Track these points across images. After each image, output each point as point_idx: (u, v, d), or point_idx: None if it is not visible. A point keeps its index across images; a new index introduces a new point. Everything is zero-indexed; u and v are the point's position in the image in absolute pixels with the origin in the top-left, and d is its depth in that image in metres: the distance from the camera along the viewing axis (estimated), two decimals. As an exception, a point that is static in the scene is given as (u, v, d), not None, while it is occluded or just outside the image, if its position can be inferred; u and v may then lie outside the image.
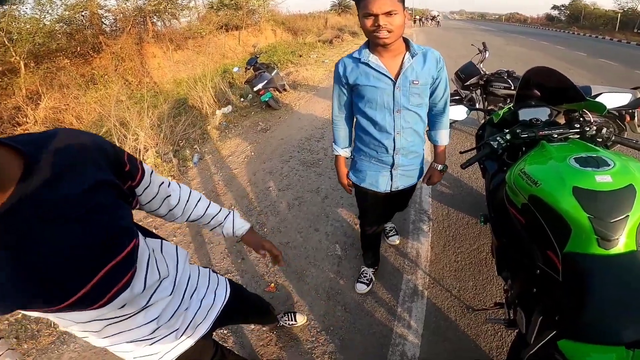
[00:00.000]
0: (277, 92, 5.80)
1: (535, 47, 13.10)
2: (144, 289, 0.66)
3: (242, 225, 0.99)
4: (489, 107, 3.53)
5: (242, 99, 6.05)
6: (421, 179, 1.61)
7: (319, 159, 3.50)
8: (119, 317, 0.64)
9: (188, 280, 0.84)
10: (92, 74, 8.61)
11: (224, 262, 2.23)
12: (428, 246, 2.21)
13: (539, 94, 1.74)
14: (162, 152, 3.90)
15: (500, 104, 3.45)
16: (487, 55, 3.73)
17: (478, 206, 2.56)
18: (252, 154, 3.84)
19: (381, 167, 1.47)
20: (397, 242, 2.24)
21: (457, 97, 3.74)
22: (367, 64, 1.27)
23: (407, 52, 1.27)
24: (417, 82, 1.28)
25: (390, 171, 1.48)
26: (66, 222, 0.51)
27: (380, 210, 1.72)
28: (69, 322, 0.59)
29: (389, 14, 1.12)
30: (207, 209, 0.92)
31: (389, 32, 1.15)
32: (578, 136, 1.39)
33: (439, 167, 1.58)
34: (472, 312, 1.74)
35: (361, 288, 1.91)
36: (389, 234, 2.27)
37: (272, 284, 2.00)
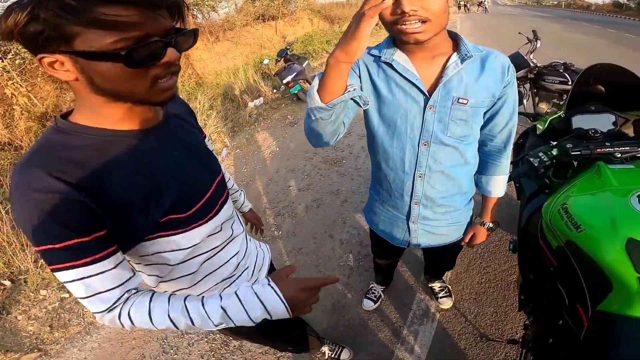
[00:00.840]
0: (308, 84, 5.71)
1: (600, 34, 11.69)
2: (231, 214, 0.80)
3: (248, 204, 1.18)
4: (539, 103, 3.12)
5: (274, 91, 6.03)
6: (463, 240, 1.18)
7: (343, 157, 3.37)
8: (212, 249, 0.75)
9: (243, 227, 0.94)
10: None
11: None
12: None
13: (603, 90, 1.41)
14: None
15: (555, 100, 3.00)
16: (538, 45, 3.20)
17: (515, 223, 2.30)
18: (277, 149, 3.80)
19: (396, 216, 1.09)
20: (450, 304, 1.74)
21: None
22: (390, 65, 0.85)
23: (455, 54, 0.84)
24: (464, 101, 0.85)
25: (407, 224, 1.08)
26: (192, 149, 0.71)
27: (395, 256, 1.50)
28: (177, 253, 0.68)
29: None
30: (230, 180, 1.10)
31: (422, 22, 0.73)
32: None
33: (487, 225, 1.13)
34: (485, 342, 1.56)
35: (368, 305, 1.78)
36: (439, 295, 1.77)
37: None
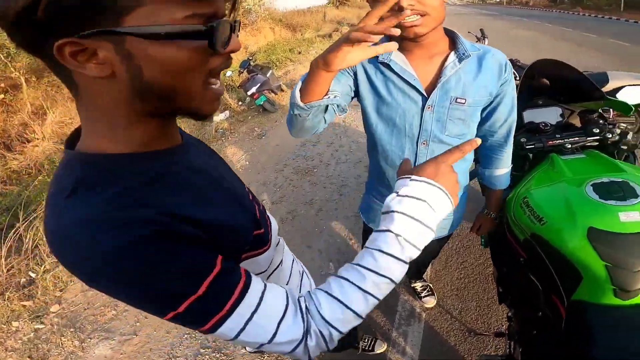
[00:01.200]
0: (273, 94, 5.67)
1: (540, 29, 12.63)
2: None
3: None
4: None
5: (240, 103, 5.94)
6: (472, 229, 1.27)
7: (314, 166, 3.37)
8: (278, 263, 0.66)
9: None
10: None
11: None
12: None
13: (548, 83, 1.49)
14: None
15: None
16: (486, 43, 3.37)
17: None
18: (247, 163, 3.72)
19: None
20: (433, 302, 1.75)
21: None
22: (388, 66, 0.85)
23: (453, 53, 0.85)
24: (462, 101, 0.86)
25: None
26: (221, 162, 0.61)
27: None
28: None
29: None
30: None
31: (420, 15, 0.73)
32: (597, 143, 1.19)
33: (493, 215, 1.18)
34: (474, 337, 1.59)
35: None
36: (422, 294, 1.77)
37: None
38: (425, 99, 0.86)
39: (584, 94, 1.32)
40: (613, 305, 0.75)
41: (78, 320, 1.95)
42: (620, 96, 2.52)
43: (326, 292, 0.47)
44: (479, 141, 0.54)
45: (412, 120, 0.89)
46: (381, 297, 0.47)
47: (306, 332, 0.44)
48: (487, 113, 0.94)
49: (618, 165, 0.98)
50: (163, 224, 0.38)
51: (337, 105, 0.81)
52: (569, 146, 1.17)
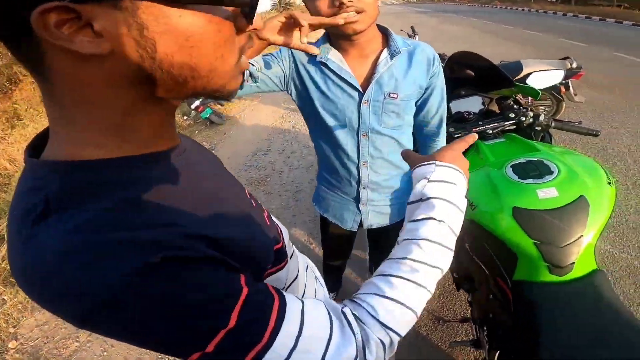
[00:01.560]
0: (219, 105, 5.50)
1: (466, 24, 13.69)
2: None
3: None
4: None
5: (185, 118, 5.67)
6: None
7: (267, 175, 3.32)
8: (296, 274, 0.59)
9: None
10: (14, 108, 7.70)
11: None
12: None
13: (472, 73, 1.55)
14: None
15: None
16: (417, 40, 3.61)
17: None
18: (197, 179, 3.57)
19: (346, 200, 1.15)
20: None
21: None
22: (326, 65, 0.90)
23: (385, 50, 0.90)
24: (395, 95, 0.91)
25: (358, 206, 1.14)
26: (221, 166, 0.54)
27: (346, 247, 1.49)
28: None
29: None
30: None
31: (357, 12, 0.77)
32: (515, 126, 1.28)
33: None
34: (444, 324, 1.65)
35: None
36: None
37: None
38: (361, 95, 0.92)
39: (498, 83, 1.41)
40: (552, 282, 0.77)
41: (40, 355, 1.76)
42: (529, 82, 2.80)
43: (375, 294, 0.41)
44: (475, 135, 0.58)
45: (352, 114, 0.95)
46: (432, 291, 0.43)
47: (363, 347, 0.38)
48: (420, 105, 1.00)
49: (533, 146, 1.05)
50: (173, 246, 0.30)
51: (250, 75, 0.87)
52: (490, 132, 1.25)
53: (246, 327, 0.32)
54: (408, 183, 1.16)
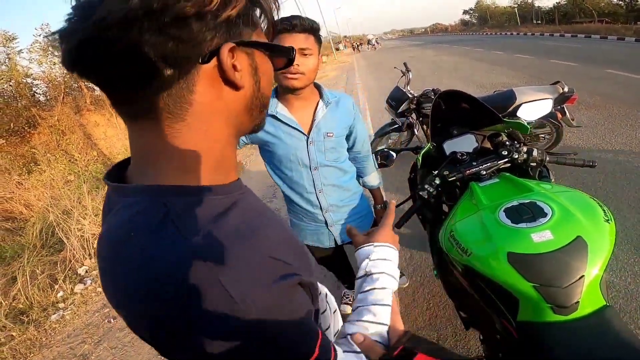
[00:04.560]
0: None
1: (459, 53, 14.21)
2: None
3: None
4: (427, 130, 3.41)
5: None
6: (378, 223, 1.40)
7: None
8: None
9: None
10: (32, 153, 7.83)
11: None
12: (395, 298, 2.04)
13: (466, 106, 1.50)
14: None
15: None
16: (410, 77, 3.55)
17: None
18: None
19: (317, 225, 1.34)
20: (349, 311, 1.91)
21: (396, 126, 3.57)
22: (275, 117, 1.12)
23: (320, 100, 1.17)
24: (331, 134, 1.17)
25: (328, 228, 1.34)
26: None
27: (338, 265, 1.66)
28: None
29: (303, 52, 1.00)
30: None
31: (300, 74, 1.03)
32: (509, 164, 1.24)
33: (379, 206, 1.52)
34: None
35: (347, 309, 1.87)
36: (343, 300, 1.95)
37: None
38: (307, 137, 1.15)
39: (487, 119, 1.38)
40: (558, 322, 0.74)
41: None
42: (520, 114, 2.80)
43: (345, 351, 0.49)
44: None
45: (302, 154, 1.17)
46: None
47: None
48: (350, 139, 1.29)
49: (526, 186, 1.02)
50: (287, 269, 0.37)
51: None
52: (484, 173, 1.20)
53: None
54: (361, 202, 1.40)
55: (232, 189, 0.41)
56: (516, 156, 1.21)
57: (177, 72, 0.33)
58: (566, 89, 2.87)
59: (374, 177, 1.47)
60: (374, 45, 32.23)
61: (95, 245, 3.29)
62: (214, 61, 0.35)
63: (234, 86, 0.37)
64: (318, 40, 1.06)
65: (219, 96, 0.37)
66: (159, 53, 0.31)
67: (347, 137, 1.28)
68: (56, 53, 9.15)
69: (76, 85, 9.94)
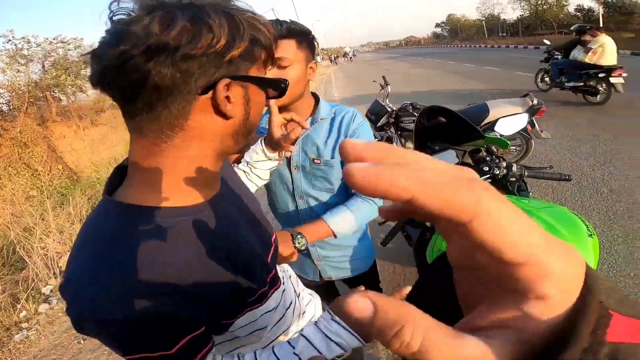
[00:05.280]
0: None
1: (432, 66, 14.76)
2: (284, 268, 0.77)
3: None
4: (405, 143, 3.46)
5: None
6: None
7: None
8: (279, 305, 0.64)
9: None
10: None
11: None
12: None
13: (444, 120, 1.54)
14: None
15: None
16: (389, 90, 3.58)
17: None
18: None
19: (300, 257, 0.98)
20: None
21: (375, 140, 3.62)
22: (261, 132, 0.95)
23: (310, 118, 0.96)
24: (318, 161, 0.95)
25: (313, 262, 1.13)
26: (250, 227, 0.57)
27: (330, 291, 1.38)
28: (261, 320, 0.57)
29: (279, 63, 0.82)
30: None
31: None
32: (490, 179, 1.26)
33: (297, 238, 0.88)
34: None
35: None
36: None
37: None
38: (289, 160, 0.98)
39: (468, 135, 1.41)
40: None
41: None
42: (497, 129, 2.88)
43: None
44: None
45: (287, 180, 1.01)
46: None
47: None
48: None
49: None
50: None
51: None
52: None
53: None
54: (362, 241, 1.14)
55: (184, 212, 0.45)
56: (497, 172, 1.23)
57: (178, 99, 0.39)
58: (535, 102, 2.99)
59: (341, 219, 0.94)
60: (350, 57, 33.03)
61: (60, 264, 3.11)
62: (210, 92, 0.40)
63: (224, 116, 0.43)
64: (302, 44, 0.86)
65: (210, 122, 0.42)
66: (167, 83, 0.37)
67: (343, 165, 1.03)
68: (21, 61, 8.69)
69: (41, 95, 9.44)
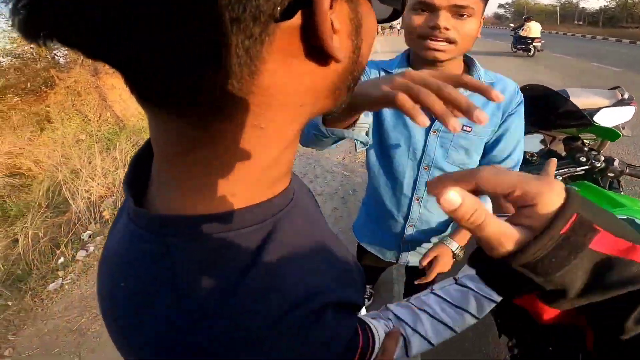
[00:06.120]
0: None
1: (495, 48, 13.56)
2: None
3: None
4: None
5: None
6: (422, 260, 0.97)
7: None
8: None
9: None
10: (46, 111, 8.07)
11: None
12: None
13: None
14: (120, 202, 3.49)
15: None
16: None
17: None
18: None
19: (387, 234, 1.04)
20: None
21: None
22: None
23: None
24: (469, 129, 0.83)
25: (400, 243, 1.04)
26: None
27: (380, 273, 1.50)
28: None
29: (458, 11, 0.70)
30: None
31: (449, 42, 0.72)
32: (584, 172, 1.16)
33: (453, 246, 0.93)
34: None
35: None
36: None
37: None
38: (432, 122, 0.84)
39: (566, 120, 1.30)
40: None
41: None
42: (598, 119, 2.52)
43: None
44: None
45: (417, 143, 0.86)
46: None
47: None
48: (489, 146, 0.89)
49: (615, 199, 0.93)
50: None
51: (358, 142, 0.69)
52: (559, 178, 1.12)
53: None
54: (453, 228, 1.06)
55: (273, 207, 0.29)
56: (597, 164, 1.13)
57: (242, 39, 0.19)
58: (626, 96, 2.65)
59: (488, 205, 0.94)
60: (398, 30, 31.24)
61: (101, 209, 3.23)
62: (297, 17, 0.20)
63: (325, 58, 0.22)
64: None
65: (296, 76, 0.23)
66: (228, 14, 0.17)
67: (487, 142, 0.87)
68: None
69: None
